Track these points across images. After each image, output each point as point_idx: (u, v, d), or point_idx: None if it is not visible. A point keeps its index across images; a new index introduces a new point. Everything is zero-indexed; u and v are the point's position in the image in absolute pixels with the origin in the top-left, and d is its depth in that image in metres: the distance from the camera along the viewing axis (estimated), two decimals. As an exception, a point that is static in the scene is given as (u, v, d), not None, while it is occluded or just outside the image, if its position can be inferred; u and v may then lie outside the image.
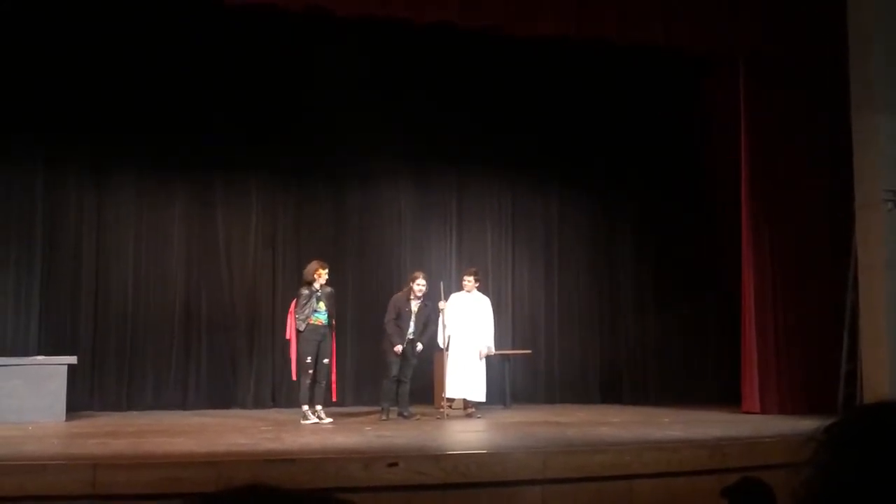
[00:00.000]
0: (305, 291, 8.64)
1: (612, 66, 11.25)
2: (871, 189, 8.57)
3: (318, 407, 8.58)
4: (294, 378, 8.76)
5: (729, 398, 9.98)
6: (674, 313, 11.67)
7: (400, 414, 9.04)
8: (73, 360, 8.90)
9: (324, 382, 8.64)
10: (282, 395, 10.34)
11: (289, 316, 8.84)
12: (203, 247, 10.62)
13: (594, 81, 11.56)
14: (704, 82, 11.74)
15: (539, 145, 11.47)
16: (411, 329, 9.19)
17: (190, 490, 5.22)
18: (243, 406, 10.27)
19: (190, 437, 7.30)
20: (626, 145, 11.74)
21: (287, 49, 10.67)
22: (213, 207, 10.66)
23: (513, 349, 10.90)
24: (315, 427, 8.26)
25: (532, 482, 6.00)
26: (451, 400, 9.42)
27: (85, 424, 8.36)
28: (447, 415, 9.15)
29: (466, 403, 9.48)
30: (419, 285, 9.18)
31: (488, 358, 9.60)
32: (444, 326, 9.27)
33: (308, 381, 8.57)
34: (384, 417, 8.91)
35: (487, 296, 9.81)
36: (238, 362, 10.51)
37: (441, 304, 9.27)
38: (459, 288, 9.76)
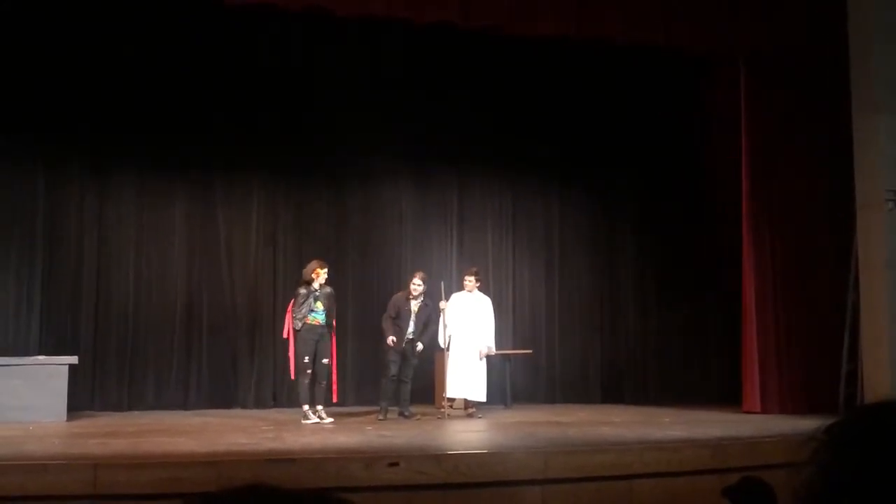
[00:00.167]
0: (303, 291, 8.65)
1: (612, 66, 11.26)
2: (872, 189, 8.57)
3: (319, 407, 8.58)
4: (292, 377, 8.78)
5: (729, 398, 9.98)
6: (674, 313, 11.67)
7: (401, 414, 9.05)
8: (73, 359, 8.90)
9: (324, 382, 8.65)
10: (283, 394, 10.34)
11: (286, 315, 8.86)
12: (204, 247, 10.61)
13: (594, 81, 11.56)
14: (704, 82, 11.75)
15: (539, 145, 11.47)
16: (411, 329, 9.18)
17: (191, 490, 5.22)
18: (244, 406, 10.27)
19: (191, 437, 7.30)
20: (626, 145, 11.73)
21: (287, 49, 10.68)
22: (213, 207, 10.66)
23: (513, 349, 10.90)
24: (316, 427, 8.26)
25: (533, 482, 6.00)
26: (451, 400, 9.42)
27: (86, 424, 8.37)
28: (448, 415, 9.15)
29: (467, 403, 9.48)
30: (415, 285, 9.18)
31: (489, 358, 9.60)
32: (444, 326, 9.27)
33: (307, 381, 8.57)
34: (381, 417, 8.91)
35: (488, 296, 9.81)
36: (239, 362, 10.51)
37: (442, 304, 9.28)
38: (460, 288, 9.76)
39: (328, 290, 8.76)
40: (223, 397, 10.36)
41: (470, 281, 9.59)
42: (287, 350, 8.87)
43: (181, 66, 10.27)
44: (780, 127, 9.71)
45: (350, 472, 5.70)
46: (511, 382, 10.61)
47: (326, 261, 8.99)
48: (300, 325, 8.58)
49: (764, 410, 9.28)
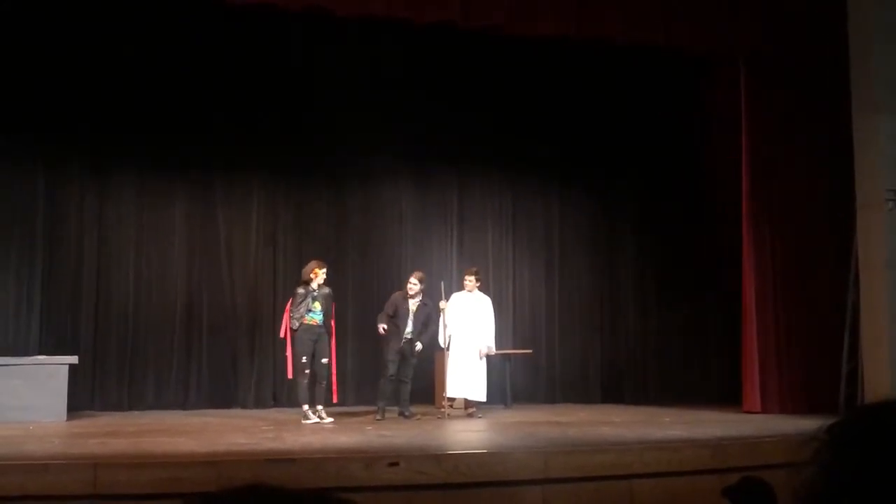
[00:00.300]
0: (301, 290, 8.65)
1: (612, 66, 11.27)
2: (872, 189, 8.57)
3: (319, 407, 8.58)
4: (290, 377, 8.78)
5: (730, 398, 9.98)
6: (674, 313, 11.67)
7: (401, 413, 9.04)
8: (73, 359, 8.90)
9: (324, 382, 8.65)
10: (283, 394, 10.34)
11: (284, 314, 8.86)
12: (204, 247, 10.62)
13: (594, 81, 11.56)
14: (704, 82, 11.75)
15: (539, 145, 11.47)
16: (409, 328, 9.17)
17: (191, 490, 5.22)
18: (244, 406, 10.27)
19: (191, 437, 7.30)
20: (626, 145, 11.74)
21: (287, 49, 10.68)
22: (213, 207, 10.66)
23: (513, 349, 10.90)
24: (316, 427, 8.26)
25: (533, 482, 6.00)
26: (451, 399, 9.42)
27: (86, 424, 8.37)
28: (448, 414, 9.15)
29: (467, 403, 9.48)
30: (410, 284, 9.18)
31: (489, 357, 9.60)
32: (444, 326, 9.27)
33: (306, 382, 8.57)
34: (379, 417, 8.89)
35: (488, 295, 9.82)
36: (239, 362, 10.51)
37: (442, 304, 9.28)
38: (460, 287, 9.76)
39: (326, 290, 8.75)
40: (223, 397, 10.36)
41: (470, 281, 9.59)
42: (285, 349, 8.88)
43: (181, 66, 10.27)
44: (780, 127, 9.71)
45: (350, 472, 5.70)
46: (511, 382, 10.62)
47: (326, 261, 8.99)
48: (297, 324, 8.58)
49: (764, 410, 9.28)
